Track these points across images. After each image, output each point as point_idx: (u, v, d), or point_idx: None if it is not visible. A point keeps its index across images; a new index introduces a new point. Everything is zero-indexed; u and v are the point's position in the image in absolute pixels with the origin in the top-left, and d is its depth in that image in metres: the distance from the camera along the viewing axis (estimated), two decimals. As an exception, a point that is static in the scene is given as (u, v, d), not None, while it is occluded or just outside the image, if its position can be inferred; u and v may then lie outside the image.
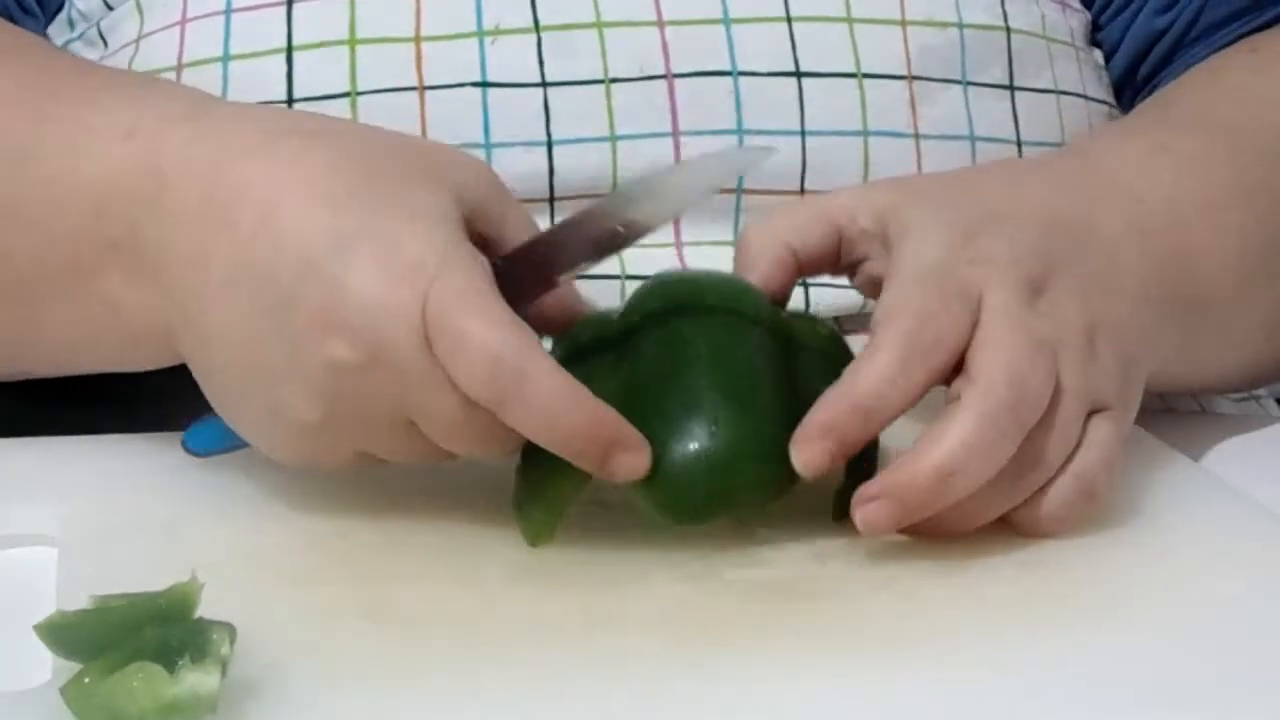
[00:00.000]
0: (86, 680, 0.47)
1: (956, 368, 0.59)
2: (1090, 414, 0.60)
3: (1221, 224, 0.70)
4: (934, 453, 0.57)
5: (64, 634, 0.50)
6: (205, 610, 0.51)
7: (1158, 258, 0.67)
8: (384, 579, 0.58)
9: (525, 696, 0.51)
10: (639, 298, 0.63)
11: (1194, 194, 0.70)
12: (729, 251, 0.76)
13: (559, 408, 0.57)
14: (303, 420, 0.59)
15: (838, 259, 0.64)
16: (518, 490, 0.61)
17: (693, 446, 0.58)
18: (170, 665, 0.47)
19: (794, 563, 0.59)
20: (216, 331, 0.60)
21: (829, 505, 0.61)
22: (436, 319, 0.57)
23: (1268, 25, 0.83)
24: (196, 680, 0.46)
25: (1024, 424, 0.58)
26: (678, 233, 0.76)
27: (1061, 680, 0.51)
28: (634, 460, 0.57)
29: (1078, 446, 0.60)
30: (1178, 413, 0.80)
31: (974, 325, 0.59)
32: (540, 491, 0.60)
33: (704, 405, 0.58)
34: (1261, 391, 0.88)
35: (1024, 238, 0.63)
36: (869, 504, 0.57)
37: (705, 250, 0.76)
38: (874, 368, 0.58)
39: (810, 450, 0.58)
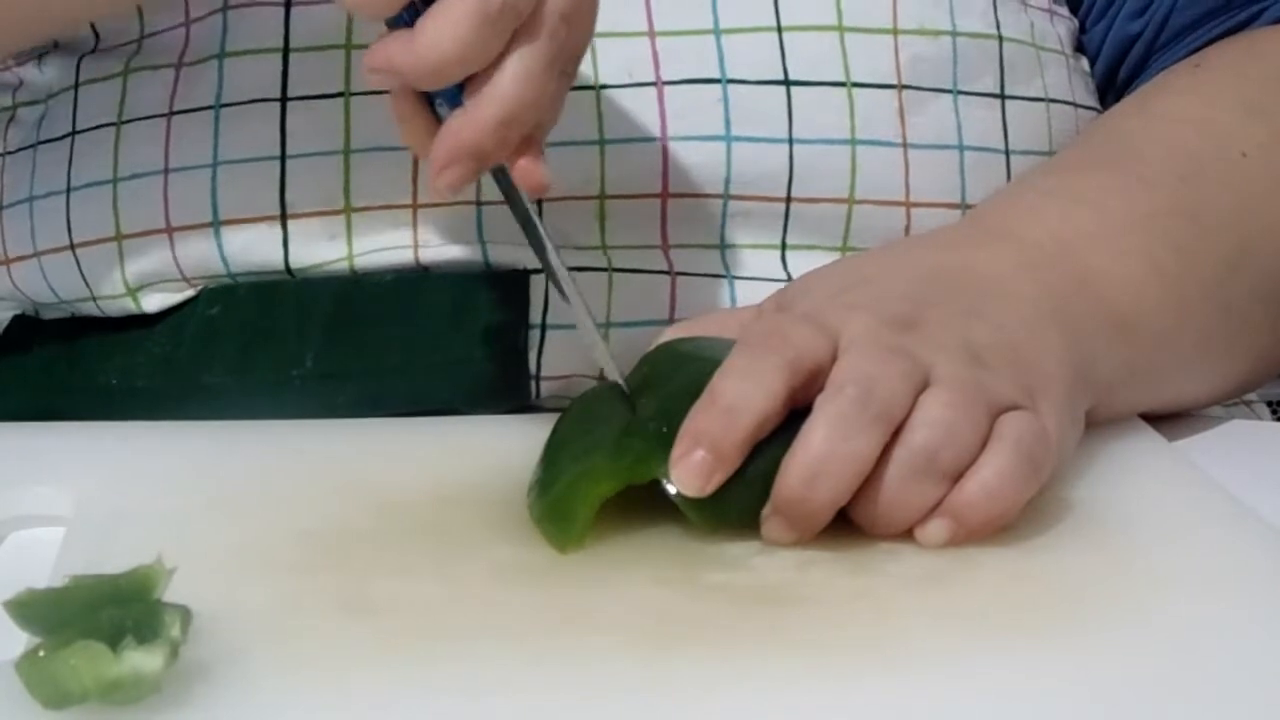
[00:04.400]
0: (40, 654, 0.48)
1: None
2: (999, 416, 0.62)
3: (1119, 249, 0.72)
4: (794, 462, 0.59)
5: (29, 610, 0.51)
6: (180, 595, 0.52)
7: (1053, 284, 0.69)
8: (366, 572, 0.59)
9: (474, 692, 0.51)
10: (647, 359, 0.66)
11: (1084, 227, 0.72)
12: (715, 254, 0.78)
13: None
14: None
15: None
16: (541, 496, 0.62)
17: None
18: (120, 645, 0.48)
19: (777, 569, 0.59)
20: None
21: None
22: None
23: (1237, 29, 0.84)
24: (139, 660, 0.48)
25: (878, 416, 0.59)
26: (665, 235, 0.77)
27: (1020, 699, 0.51)
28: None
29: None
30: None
31: (834, 354, 0.61)
32: (572, 498, 0.60)
33: None
34: (1252, 396, 0.88)
35: (892, 288, 0.66)
36: (767, 520, 0.60)
37: (691, 252, 0.77)
38: (726, 369, 0.61)
39: (688, 461, 0.59)
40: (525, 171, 0.63)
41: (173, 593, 0.52)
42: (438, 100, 0.63)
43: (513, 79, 0.61)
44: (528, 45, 0.60)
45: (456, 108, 0.62)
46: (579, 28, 0.62)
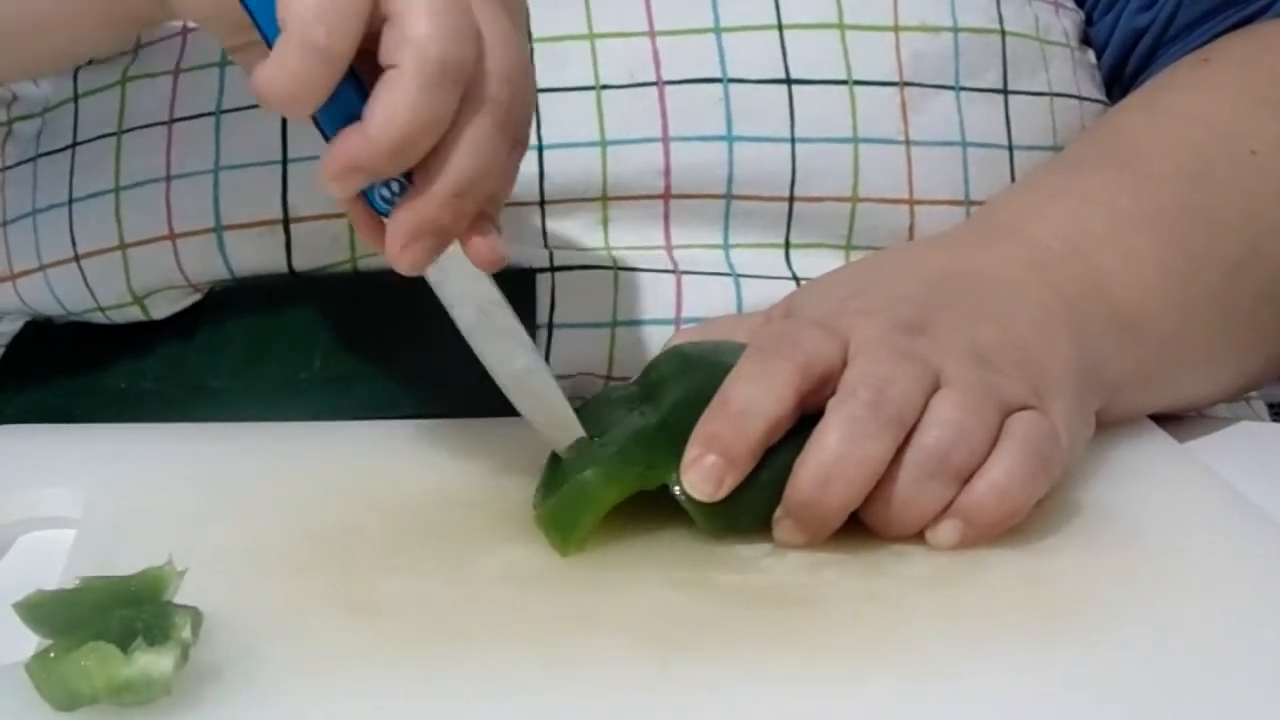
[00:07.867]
0: (51, 656, 0.48)
1: None
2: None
3: (1127, 249, 0.72)
4: (807, 465, 0.59)
5: (40, 612, 0.51)
6: (192, 597, 0.52)
7: (1060, 285, 0.69)
8: (375, 573, 0.59)
9: (481, 693, 0.51)
10: (656, 363, 0.66)
11: (1092, 226, 0.72)
12: (719, 254, 0.77)
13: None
14: None
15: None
16: (546, 500, 0.62)
17: None
18: (131, 646, 0.48)
19: (788, 571, 0.59)
20: None
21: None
22: None
23: (1245, 22, 0.84)
24: (150, 662, 0.48)
25: (891, 420, 0.59)
26: (668, 235, 0.77)
27: (1031, 700, 0.51)
28: None
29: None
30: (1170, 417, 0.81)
31: (844, 359, 0.61)
32: (576, 504, 0.60)
33: None
34: (1252, 394, 0.88)
35: (901, 292, 0.66)
36: (779, 523, 0.60)
37: (695, 253, 0.77)
38: (737, 374, 0.61)
39: (700, 465, 0.59)
40: (478, 248, 0.60)
41: (183, 594, 0.53)
42: (380, 194, 0.60)
43: (463, 148, 0.58)
44: (473, 112, 0.58)
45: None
46: (520, 88, 0.60)
